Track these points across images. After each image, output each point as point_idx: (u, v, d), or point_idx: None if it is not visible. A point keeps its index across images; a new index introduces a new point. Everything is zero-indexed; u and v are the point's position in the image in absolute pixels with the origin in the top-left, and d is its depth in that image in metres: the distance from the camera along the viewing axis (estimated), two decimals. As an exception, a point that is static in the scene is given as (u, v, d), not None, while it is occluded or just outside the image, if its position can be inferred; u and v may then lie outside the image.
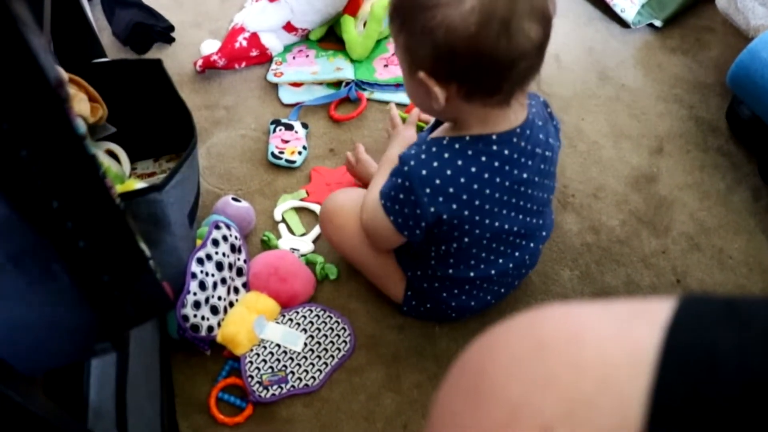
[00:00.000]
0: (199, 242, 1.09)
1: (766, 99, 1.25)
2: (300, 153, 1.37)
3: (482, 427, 0.31)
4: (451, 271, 1.04)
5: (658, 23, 1.75)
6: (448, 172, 0.91)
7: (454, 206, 0.93)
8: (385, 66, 1.55)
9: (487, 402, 0.31)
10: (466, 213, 0.94)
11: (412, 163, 0.91)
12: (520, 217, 1.00)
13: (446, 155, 0.91)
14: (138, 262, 0.63)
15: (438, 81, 0.87)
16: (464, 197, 0.92)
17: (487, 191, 0.93)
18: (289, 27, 1.56)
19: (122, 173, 1.21)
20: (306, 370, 1.08)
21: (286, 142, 1.38)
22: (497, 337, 0.34)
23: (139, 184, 1.05)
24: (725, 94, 1.56)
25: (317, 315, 1.13)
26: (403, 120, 1.29)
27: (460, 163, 0.91)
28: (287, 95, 1.51)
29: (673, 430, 0.27)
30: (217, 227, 1.11)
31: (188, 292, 1.02)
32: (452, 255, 1.02)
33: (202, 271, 1.05)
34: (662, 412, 0.27)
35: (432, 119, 1.13)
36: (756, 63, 1.25)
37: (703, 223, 1.35)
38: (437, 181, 0.91)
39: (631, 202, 1.37)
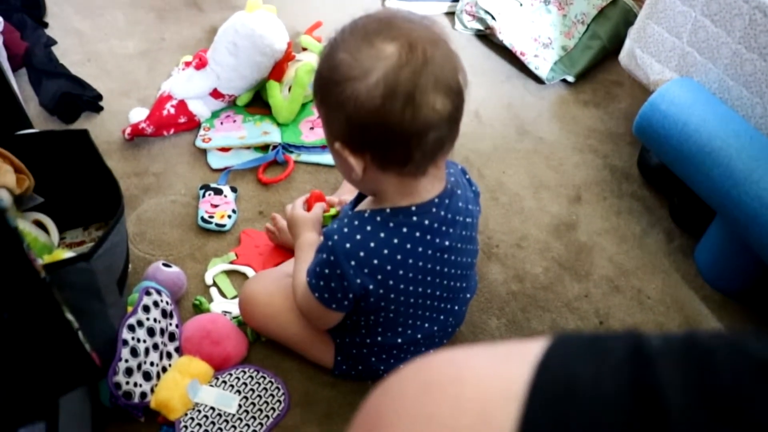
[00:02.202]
0: (130, 309, 1.09)
1: (667, 148, 1.33)
2: (229, 217, 1.39)
3: None
4: (379, 338, 1.07)
5: (570, 79, 1.85)
6: (372, 244, 0.94)
7: (380, 277, 0.96)
8: (311, 128, 1.59)
9: None
10: (391, 283, 0.97)
11: (336, 237, 0.94)
12: (445, 282, 1.03)
13: (369, 228, 0.94)
14: (64, 332, 0.64)
15: (353, 151, 0.90)
16: (388, 268, 0.95)
17: (410, 261, 0.96)
18: (215, 93, 1.60)
19: (50, 243, 1.21)
20: (241, 432, 1.08)
21: (216, 206, 1.40)
22: (391, 383, 0.37)
23: (67, 254, 1.05)
24: (636, 143, 1.65)
25: (251, 376, 1.14)
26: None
27: (382, 235, 0.94)
28: (216, 160, 1.53)
29: None
30: (148, 293, 1.12)
31: (119, 359, 1.01)
32: (380, 324, 1.05)
33: (133, 338, 1.05)
34: None
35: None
36: (656, 115, 1.34)
37: (621, 266, 1.41)
38: (362, 254, 0.94)
39: (553, 249, 1.43)
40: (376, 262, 0.94)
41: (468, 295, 1.13)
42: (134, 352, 1.04)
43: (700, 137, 1.27)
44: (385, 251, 0.94)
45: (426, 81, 0.84)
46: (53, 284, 0.67)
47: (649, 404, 0.30)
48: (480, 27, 1.98)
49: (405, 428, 0.33)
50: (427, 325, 1.08)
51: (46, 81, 1.65)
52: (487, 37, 1.99)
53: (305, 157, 1.55)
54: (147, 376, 1.05)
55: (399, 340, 1.07)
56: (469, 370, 0.35)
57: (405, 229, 0.95)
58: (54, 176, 1.22)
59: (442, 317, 1.09)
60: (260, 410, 1.10)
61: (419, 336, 1.08)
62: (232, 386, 1.12)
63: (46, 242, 1.20)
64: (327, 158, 1.53)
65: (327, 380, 1.16)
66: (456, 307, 1.11)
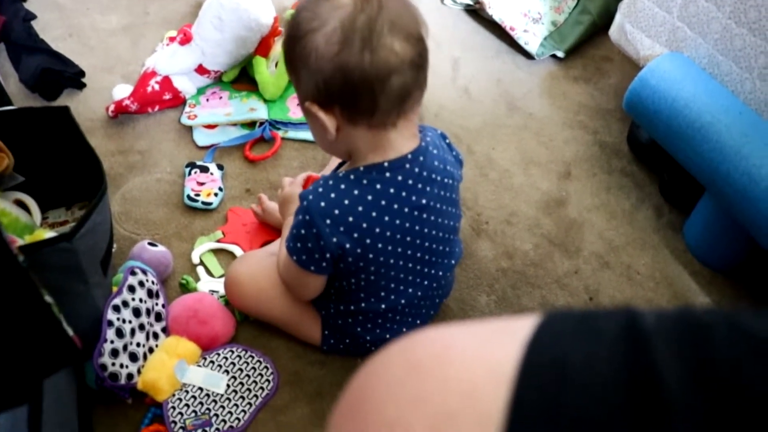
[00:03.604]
0: (115, 289, 1.08)
1: (658, 123, 1.32)
2: (216, 194, 1.37)
3: None
4: (363, 304, 1.06)
5: (560, 54, 1.83)
6: (346, 202, 0.94)
7: (356, 235, 0.96)
8: (299, 105, 1.56)
9: (367, 423, 0.33)
10: (368, 241, 0.97)
11: (311, 197, 0.95)
12: (426, 244, 1.02)
13: (342, 186, 0.94)
14: (43, 315, 0.62)
15: (322, 107, 0.91)
16: (364, 225, 0.95)
17: (387, 218, 0.96)
18: (201, 69, 1.57)
19: (32, 223, 1.19)
20: (230, 412, 1.07)
21: (202, 184, 1.38)
22: (377, 363, 0.36)
23: (49, 234, 1.03)
24: (626, 119, 1.64)
25: (239, 355, 1.13)
26: None
27: (356, 192, 0.94)
28: (202, 137, 1.51)
29: None
30: (133, 273, 1.10)
31: (105, 341, 1.00)
32: (362, 289, 1.04)
33: (118, 318, 1.03)
34: (519, 425, 0.29)
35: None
36: (646, 90, 1.33)
37: (611, 242, 1.41)
38: (336, 212, 0.94)
39: (542, 225, 1.43)
40: (351, 219, 0.95)
41: (452, 261, 1.12)
42: (120, 333, 1.03)
43: (689, 113, 1.26)
44: (360, 208, 0.95)
45: (381, 25, 0.87)
46: (33, 266, 0.65)
47: (644, 385, 0.29)
48: (469, 2, 1.96)
49: (391, 410, 0.32)
50: (410, 290, 1.07)
51: (26, 57, 1.62)
52: (476, 12, 1.97)
53: (292, 133, 1.53)
54: (133, 357, 1.04)
55: (382, 306, 1.06)
56: (456, 350, 0.34)
57: (379, 186, 0.95)
58: (35, 155, 1.19)
59: (425, 282, 1.08)
60: (249, 390, 1.10)
61: (402, 301, 1.07)
62: (220, 366, 1.11)
63: (28, 222, 1.18)
64: (314, 135, 1.51)
65: (316, 359, 1.16)
66: (440, 273, 1.09)
